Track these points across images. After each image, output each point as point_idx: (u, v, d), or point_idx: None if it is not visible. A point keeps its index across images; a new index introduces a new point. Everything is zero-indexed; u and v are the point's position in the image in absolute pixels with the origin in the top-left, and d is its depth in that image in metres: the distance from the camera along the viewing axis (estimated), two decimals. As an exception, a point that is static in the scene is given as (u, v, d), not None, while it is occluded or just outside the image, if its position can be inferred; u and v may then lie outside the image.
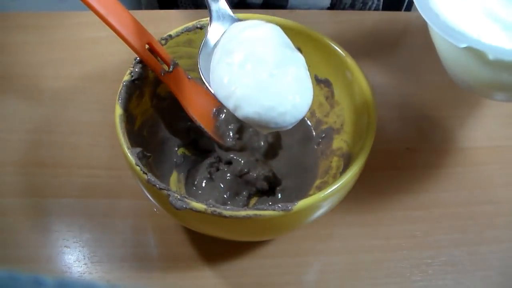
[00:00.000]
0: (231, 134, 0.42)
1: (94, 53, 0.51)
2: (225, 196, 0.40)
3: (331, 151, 0.42)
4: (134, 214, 0.41)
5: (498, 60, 0.27)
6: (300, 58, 0.34)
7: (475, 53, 0.28)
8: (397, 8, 0.65)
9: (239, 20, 0.37)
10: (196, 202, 0.31)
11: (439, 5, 0.30)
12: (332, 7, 0.60)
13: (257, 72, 0.32)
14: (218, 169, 0.42)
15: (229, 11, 0.37)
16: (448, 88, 0.50)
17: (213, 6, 0.37)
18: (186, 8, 0.63)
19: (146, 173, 0.32)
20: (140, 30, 0.38)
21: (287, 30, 0.41)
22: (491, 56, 0.27)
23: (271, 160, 0.43)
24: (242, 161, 0.41)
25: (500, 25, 0.29)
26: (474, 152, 0.47)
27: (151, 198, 0.34)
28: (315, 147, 0.43)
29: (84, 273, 0.38)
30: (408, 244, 0.41)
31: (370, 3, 0.62)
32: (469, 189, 0.44)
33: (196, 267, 0.39)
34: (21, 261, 0.39)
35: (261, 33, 0.34)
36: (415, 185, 0.44)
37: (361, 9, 0.62)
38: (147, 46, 0.38)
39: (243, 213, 0.31)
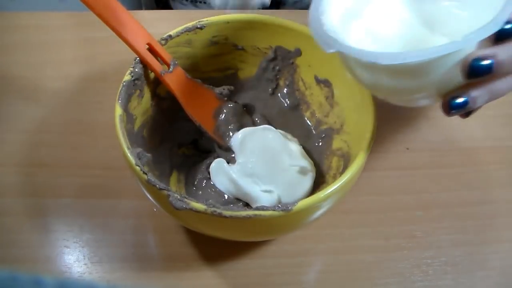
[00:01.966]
0: (231, 134, 0.42)
1: (94, 53, 0.51)
2: (225, 196, 0.40)
3: (331, 151, 0.42)
4: (134, 214, 0.41)
5: (371, 63, 0.29)
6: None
7: (356, 61, 0.31)
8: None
9: None
10: (196, 202, 0.31)
11: (327, 16, 0.33)
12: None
13: None
14: (218, 169, 0.42)
15: None
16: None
17: None
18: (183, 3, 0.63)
19: (146, 173, 0.32)
20: (140, 30, 0.38)
21: (287, 30, 0.41)
22: (362, 59, 0.30)
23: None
24: (242, 161, 0.41)
25: (371, 38, 0.33)
26: (474, 152, 0.47)
27: (151, 198, 0.34)
28: (316, 144, 0.43)
29: (84, 273, 0.38)
30: (408, 244, 0.41)
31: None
32: (469, 189, 0.44)
33: (196, 267, 0.39)
34: (21, 261, 0.39)
35: None
36: (415, 185, 0.44)
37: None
38: (147, 46, 0.38)
39: (243, 213, 0.31)
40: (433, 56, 0.28)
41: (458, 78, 0.29)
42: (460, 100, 0.30)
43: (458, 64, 0.29)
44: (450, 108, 0.31)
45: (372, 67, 0.30)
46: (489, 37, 0.28)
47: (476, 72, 0.28)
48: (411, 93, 0.32)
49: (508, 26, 0.28)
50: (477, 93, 0.30)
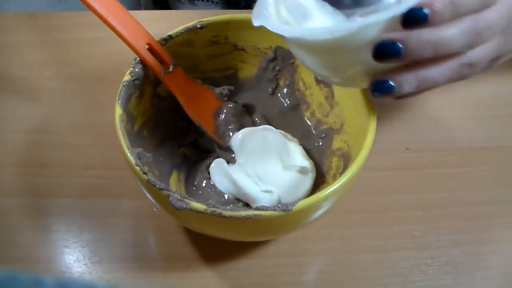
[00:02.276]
0: (231, 134, 0.42)
1: (94, 53, 0.51)
2: (225, 196, 0.40)
3: (331, 151, 0.42)
4: (134, 214, 0.41)
5: (293, 39, 0.31)
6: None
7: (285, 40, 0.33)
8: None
9: None
10: (196, 202, 0.31)
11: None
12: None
13: None
14: (218, 169, 0.42)
15: None
16: (448, 88, 0.51)
17: None
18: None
19: (146, 173, 0.32)
20: (140, 30, 0.38)
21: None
22: (272, 30, 0.30)
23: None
24: (242, 161, 0.41)
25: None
26: (474, 152, 0.47)
27: (151, 198, 0.34)
28: (316, 144, 0.43)
29: (84, 273, 0.38)
30: (408, 244, 0.41)
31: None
32: (469, 189, 0.44)
33: (196, 267, 0.39)
34: (21, 261, 0.39)
35: None
36: (415, 185, 0.44)
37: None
38: (147, 46, 0.38)
39: (243, 213, 0.31)
40: (333, 35, 0.28)
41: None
42: (384, 83, 0.30)
43: (370, 45, 0.28)
44: (373, 89, 0.30)
45: (296, 44, 0.32)
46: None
47: (384, 54, 0.28)
48: (339, 71, 0.33)
49: (417, 11, 0.27)
50: (403, 78, 0.29)
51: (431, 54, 0.28)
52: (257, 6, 0.33)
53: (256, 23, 0.31)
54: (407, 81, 0.29)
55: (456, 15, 0.28)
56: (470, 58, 0.30)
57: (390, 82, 0.30)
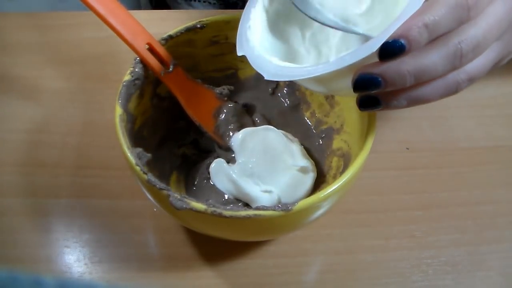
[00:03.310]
0: (231, 134, 0.42)
1: (94, 53, 0.51)
2: (225, 196, 0.40)
3: (331, 151, 0.42)
4: (134, 214, 0.41)
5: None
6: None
7: None
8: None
9: None
10: (196, 202, 0.31)
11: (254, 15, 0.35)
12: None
13: None
14: (218, 169, 0.42)
15: None
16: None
17: None
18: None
19: (146, 173, 0.32)
20: (140, 30, 0.38)
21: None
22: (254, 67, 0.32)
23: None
24: (242, 161, 0.41)
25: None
26: (474, 152, 0.47)
27: (151, 198, 0.34)
28: (316, 144, 0.43)
29: (84, 273, 0.38)
30: (408, 244, 0.41)
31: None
32: (469, 189, 0.44)
33: (196, 267, 0.39)
34: (21, 261, 0.39)
35: None
36: (415, 185, 0.44)
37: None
38: (147, 46, 0.38)
39: (243, 213, 0.31)
40: (305, 77, 0.29)
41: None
42: (370, 100, 0.29)
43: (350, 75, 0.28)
44: (360, 105, 0.30)
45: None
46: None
47: (363, 88, 0.28)
48: (331, 91, 0.34)
49: (393, 43, 0.26)
50: (391, 97, 0.29)
51: (413, 83, 0.28)
52: (240, 26, 0.34)
53: (239, 52, 0.33)
54: (395, 99, 0.29)
55: (434, 37, 0.27)
56: (469, 73, 0.29)
57: (378, 99, 0.29)
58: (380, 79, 0.27)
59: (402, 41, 0.26)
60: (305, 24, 0.37)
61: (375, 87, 0.27)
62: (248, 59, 0.32)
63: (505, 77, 0.52)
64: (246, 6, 0.35)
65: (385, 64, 0.27)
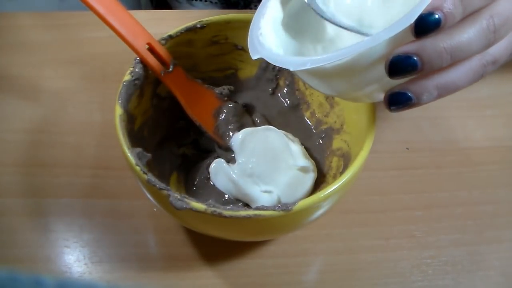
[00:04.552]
0: (231, 134, 0.42)
1: (94, 53, 0.51)
2: (225, 196, 0.40)
3: (331, 151, 0.42)
4: (134, 214, 0.41)
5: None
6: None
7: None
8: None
9: None
10: (196, 202, 0.31)
11: (265, 20, 0.34)
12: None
13: None
14: (218, 169, 0.42)
15: None
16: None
17: None
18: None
19: (146, 173, 0.32)
20: (140, 30, 0.38)
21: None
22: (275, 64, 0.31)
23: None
24: (242, 161, 0.41)
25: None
26: (474, 152, 0.47)
27: (151, 198, 0.34)
28: (316, 144, 0.43)
29: (84, 273, 0.38)
30: (408, 244, 0.41)
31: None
32: (469, 189, 0.44)
33: (196, 267, 0.39)
34: (21, 261, 0.39)
35: None
36: (415, 185, 0.44)
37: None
38: (147, 46, 0.38)
39: (243, 213, 0.31)
40: (341, 60, 0.27)
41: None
42: (401, 96, 0.28)
43: (382, 62, 0.27)
44: (390, 104, 0.29)
45: (300, 71, 0.30)
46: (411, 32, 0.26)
47: (399, 70, 0.26)
48: (350, 92, 0.31)
49: (428, 17, 0.25)
50: (422, 88, 0.28)
51: (449, 62, 0.27)
52: (250, 32, 0.33)
53: (254, 56, 0.31)
54: (426, 90, 0.28)
55: (468, 12, 0.26)
56: (493, 55, 0.28)
57: (408, 93, 0.28)
58: (416, 58, 0.26)
59: (438, 14, 0.25)
60: (317, 38, 0.36)
61: (412, 68, 0.26)
62: (267, 59, 0.31)
63: (505, 77, 0.52)
64: (255, 14, 0.34)
65: (420, 41, 0.26)
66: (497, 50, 0.28)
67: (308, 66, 0.28)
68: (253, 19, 0.34)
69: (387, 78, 0.27)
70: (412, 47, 0.26)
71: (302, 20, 0.35)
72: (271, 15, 0.34)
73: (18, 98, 0.48)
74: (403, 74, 0.27)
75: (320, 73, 0.30)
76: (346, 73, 0.29)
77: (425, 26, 0.25)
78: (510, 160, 0.46)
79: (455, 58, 0.27)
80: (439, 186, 0.44)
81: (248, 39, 0.33)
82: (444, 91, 0.28)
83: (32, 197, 0.42)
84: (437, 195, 0.44)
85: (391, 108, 0.29)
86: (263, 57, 0.31)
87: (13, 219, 0.41)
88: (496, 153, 0.47)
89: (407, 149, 0.46)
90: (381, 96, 0.30)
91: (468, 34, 0.26)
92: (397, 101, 0.28)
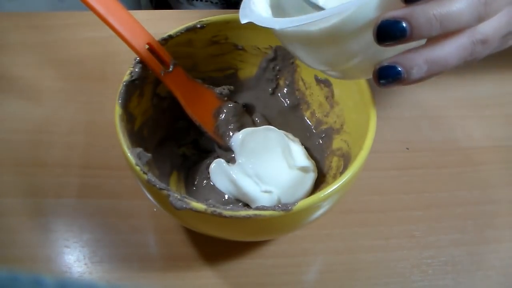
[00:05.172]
0: (231, 134, 0.42)
1: (94, 53, 0.51)
2: (225, 196, 0.40)
3: (331, 151, 0.42)
4: (134, 214, 0.41)
5: (283, 32, 0.29)
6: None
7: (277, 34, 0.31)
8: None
9: None
10: (196, 202, 0.31)
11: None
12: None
13: None
14: (218, 169, 0.42)
15: None
16: (448, 88, 0.51)
17: None
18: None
19: (146, 173, 0.32)
20: (140, 30, 0.38)
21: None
22: (262, 25, 0.29)
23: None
24: (242, 161, 0.41)
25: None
26: (474, 152, 0.47)
27: (151, 198, 0.34)
28: (316, 144, 0.43)
29: (84, 273, 0.38)
30: (408, 244, 0.41)
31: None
32: (469, 189, 0.44)
33: (196, 267, 0.39)
34: (21, 261, 0.39)
35: None
36: (415, 185, 0.44)
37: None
38: (147, 46, 0.38)
39: (243, 213, 0.31)
40: (329, 22, 0.26)
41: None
42: (390, 69, 0.27)
43: (370, 27, 0.26)
44: (379, 77, 0.28)
45: (289, 39, 0.30)
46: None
47: (387, 36, 0.26)
48: (338, 63, 0.30)
49: None
50: (411, 62, 0.27)
51: (439, 31, 0.26)
52: (243, 4, 0.31)
53: (243, 20, 0.30)
54: (416, 64, 0.27)
55: None
56: (482, 33, 0.28)
57: (398, 67, 0.27)
58: (405, 24, 0.25)
59: None
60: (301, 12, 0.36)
61: (401, 34, 0.25)
62: (256, 22, 0.29)
63: (505, 77, 0.52)
64: None
65: (410, 7, 0.26)
66: (487, 28, 0.28)
67: (294, 24, 0.27)
68: None
69: (376, 48, 0.27)
70: (401, 12, 0.26)
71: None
72: None
73: (18, 98, 0.48)
74: (391, 40, 0.26)
75: (307, 39, 0.29)
76: (333, 38, 0.28)
77: None
78: (510, 160, 0.46)
79: (445, 28, 0.26)
80: (439, 186, 0.44)
81: (240, 7, 0.31)
82: (434, 66, 0.28)
83: (32, 197, 0.42)
84: (437, 195, 0.44)
85: (381, 82, 0.28)
86: (251, 20, 0.30)
87: (13, 219, 0.41)
88: (496, 153, 0.47)
89: (407, 149, 0.46)
90: (370, 71, 0.29)
91: (459, 4, 0.26)
92: (387, 74, 0.28)
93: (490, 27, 0.28)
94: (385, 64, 0.28)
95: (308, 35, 0.29)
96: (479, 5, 0.26)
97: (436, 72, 0.28)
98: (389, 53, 0.28)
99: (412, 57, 0.27)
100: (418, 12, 0.26)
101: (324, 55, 0.30)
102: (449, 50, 0.27)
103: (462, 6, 0.26)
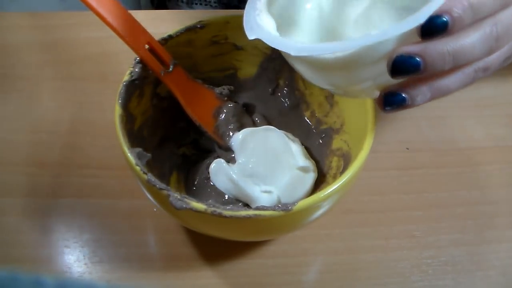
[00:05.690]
0: (231, 134, 0.42)
1: (94, 53, 0.51)
2: (225, 196, 0.40)
3: (331, 151, 0.42)
4: (134, 214, 0.41)
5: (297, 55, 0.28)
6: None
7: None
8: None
9: None
10: (196, 202, 0.31)
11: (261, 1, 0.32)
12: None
13: None
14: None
15: None
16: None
17: None
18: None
19: (146, 173, 0.32)
20: (140, 30, 0.38)
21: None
22: (274, 47, 0.28)
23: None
24: (242, 161, 0.41)
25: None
26: (474, 152, 0.47)
27: (151, 198, 0.34)
28: (316, 144, 0.43)
29: (84, 273, 0.38)
30: (408, 244, 0.41)
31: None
32: (469, 189, 0.44)
33: (196, 267, 0.39)
34: (21, 261, 0.39)
35: None
36: (415, 185, 0.44)
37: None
38: (147, 46, 0.38)
39: (243, 213, 0.31)
40: (345, 52, 0.26)
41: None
42: (396, 97, 0.28)
43: (384, 59, 0.26)
44: (385, 104, 0.29)
45: (297, 59, 0.29)
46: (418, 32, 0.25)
47: (401, 70, 0.26)
48: (345, 86, 0.31)
49: (437, 19, 0.25)
50: (417, 91, 0.28)
51: (451, 66, 0.27)
52: (247, 14, 0.31)
53: (251, 36, 0.29)
54: (420, 92, 0.28)
55: (477, 18, 0.26)
56: (486, 62, 0.28)
57: (403, 95, 0.28)
58: (419, 59, 0.26)
59: (446, 17, 0.25)
60: (311, 30, 0.34)
61: (414, 69, 0.26)
62: (265, 40, 0.29)
63: (505, 77, 0.52)
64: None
65: (425, 43, 0.26)
66: (490, 57, 0.28)
67: (313, 54, 0.27)
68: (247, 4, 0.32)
69: (385, 76, 0.27)
70: (417, 48, 0.26)
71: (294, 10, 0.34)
72: None
73: (19, 98, 0.48)
74: (405, 74, 0.27)
75: (319, 64, 0.29)
76: (347, 66, 0.28)
77: (433, 28, 0.25)
78: (510, 160, 0.46)
79: (457, 63, 0.27)
80: (439, 186, 0.44)
81: (244, 18, 0.31)
82: (437, 93, 0.28)
83: (32, 197, 0.42)
84: (437, 195, 0.44)
85: (386, 108, 0.29)
86: (260, 38, 0.29)
87: (13, 219, 0.41)
88: (496, 153, 0.47)
89: (407, 149, 0.46)
90: (374, 93, 0.30)
91: (471, 39, 0.26)
92: (392, 102, 0.29)
93: (493, 56, 0.28)
94: (392, 91, 0.28)
95: (321, 61, 0.28)
96: (491, 39, 0.27)
97: (438, 97, 0.29)
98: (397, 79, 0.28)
99: (418, 85, 0.28)
100: (432, 48, 0.26)
101: (333, 79, 0.30)
102: (453, 79, 0.28)
103: (475, 41, 0.26)
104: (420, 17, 0.25)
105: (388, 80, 0.28)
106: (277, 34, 0.30)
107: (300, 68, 0.31)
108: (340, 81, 0.30)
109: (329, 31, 0.33)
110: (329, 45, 0.27)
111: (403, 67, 0.26)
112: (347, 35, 0.32)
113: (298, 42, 0.29)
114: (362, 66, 0.28)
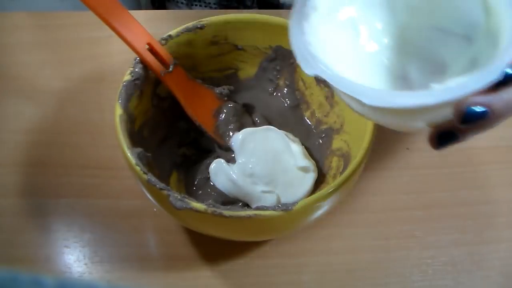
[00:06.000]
0: (231, 134, 0.42)
1: (94, 53, 0.51)
2: (225, 196, 0.40)
3: (331, 151, 0.42)
4: (134, 214, 0.41)
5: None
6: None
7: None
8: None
9: None
10: (196, 202, 0.31)
11: (311, 25, 0.30)
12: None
13: None
14: (218, 169, 0.42)
15: None
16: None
17: None
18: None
19: (146, 173, 0.32)
20: (140, 30, 0.38)
21: (287, 30, 0.41)
22: (345, 92, 0.27)
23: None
24: (242, 161, 0.41)
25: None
26: (474, 152, 0.47)
27: (151, 198, 0.34)
28: (316, 144, 0.43)
29: (84, 273, 0.38)
30: (408, 244, 0.41)
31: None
32: (469, 189, 0.44)
33: (196, 267, 0.39)
34: (21, 261, 0.39)
35: None
36: (415, 185, 0.44)
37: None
38: (147, 46, 0.38)
39: (243, 213, 0.31)
40: (424, 104, 0.26)
41: (447, 112, 0.27)
42: (450, 137, 0.29)
43: (448, 106, 0.27)
44: (438, 143, 0.29)
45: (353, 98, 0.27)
46: None
47: (470, 120, 0.27)
48: (396, 125, 0.31)
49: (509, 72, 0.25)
50: (469, 131, 0.28)
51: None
52: (294, 37, 0.28)
53: (309, 72, 0.27)
54: (471, 132, 0.28)
55: None
56: None
57: (457, 134, 0.28)
58: (488, 110, 0.26)
59: None
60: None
61: (482, 119, 0.26)
62: (330, 81, 0.27)
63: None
64: (292, 12, 0.30)
65: (495, 94, 0.26)
66: None
67: (392, 105, 0.26)
68: (291, 19, 0.29)
69: (441, 117, 0.28)
70: (486, 99, 0.26)
71: None
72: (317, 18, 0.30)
73: (18, 98, 0.48)
74: (473, 124, 0.27)
75: (381, 109, 0.27)
76: (409, 112, 0.28)
77: (506, 81, 0.26)
78: (510, 160, 0.46)
79: None
80: (439, 186, 0.44)
81: (294, 47, 0.28)
82: (482, 130, 0.28)
83: (32, 197, 0.42)
84: (437, 195, 0.44)
85: (438, 147, 0.29)
86: (322, 76, 0.27)
87: (13, 219, 0.41)
88: (496, 153, 0.47)
89: (407, 149, 0.46)
90: (417, 130, 0.30)
91: None
92: (446, 141, 0.29)
93: None
94: (445, 131, 0.29)
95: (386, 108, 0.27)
96: None
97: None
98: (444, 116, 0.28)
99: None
100: (502, 100, 0.26)
101: (386, 119, 0.29)
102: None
103: None
104: (497, 70, 0.25)
105: (442, 119, 0.28)
106: (338, 68, 0.28)
107: (351, 103, 0.29)
108: (393, 120, 0.30)
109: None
110: (411, 96, 0.26)
111: (474, 117, 0.26)
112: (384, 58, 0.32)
113: (369, 88, 0.26)
114: (424, 112, 0.28)
